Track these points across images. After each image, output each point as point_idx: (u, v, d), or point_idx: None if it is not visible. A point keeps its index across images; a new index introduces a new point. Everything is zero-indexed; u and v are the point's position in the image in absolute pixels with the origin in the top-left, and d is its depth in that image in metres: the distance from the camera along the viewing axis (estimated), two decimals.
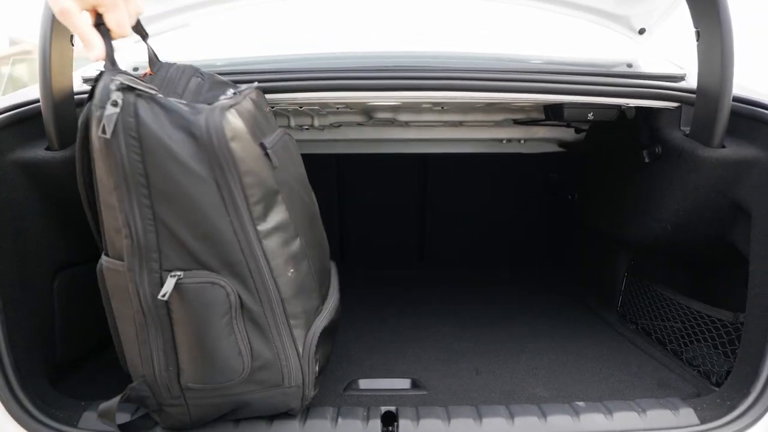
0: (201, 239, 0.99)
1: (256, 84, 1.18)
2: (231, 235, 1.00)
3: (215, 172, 0.97)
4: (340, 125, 2.09)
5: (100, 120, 0.91)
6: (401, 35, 1.82)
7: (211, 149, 0.95)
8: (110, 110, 0.91)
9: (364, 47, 1.66)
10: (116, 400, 1.03)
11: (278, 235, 1.07)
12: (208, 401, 1.07)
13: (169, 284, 0.97)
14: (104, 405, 1.03)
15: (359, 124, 2.09)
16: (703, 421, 1.06)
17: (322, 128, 2.06)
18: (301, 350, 1.10)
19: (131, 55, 1.80)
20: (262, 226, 1.03)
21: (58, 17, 0.92)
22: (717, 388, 1.22)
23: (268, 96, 1.30)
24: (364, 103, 1.71)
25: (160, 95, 0.96)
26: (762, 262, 1.18)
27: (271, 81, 1.28)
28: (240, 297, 1.03)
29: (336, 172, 2.36)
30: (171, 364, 1.03)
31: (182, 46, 1.93)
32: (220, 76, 1.18)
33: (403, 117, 1.96)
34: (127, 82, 0.92)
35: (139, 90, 0.93)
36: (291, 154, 1.22)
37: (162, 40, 1.88)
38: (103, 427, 1.08)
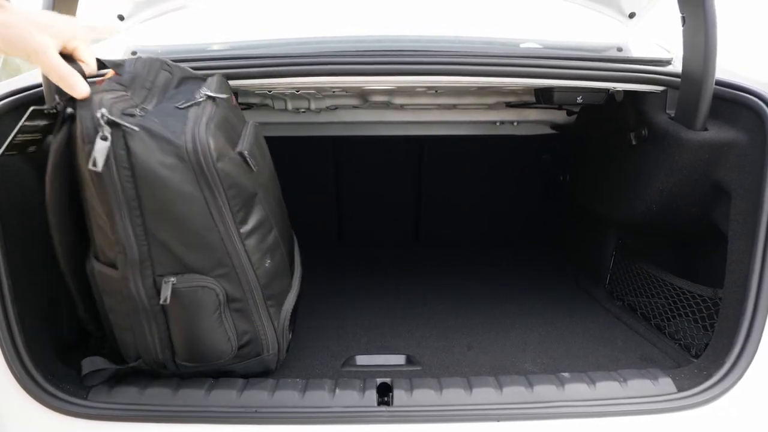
0: (192, 249, 1.08)
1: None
2: (219, 242, 1.10)
3: (204, 191, 1.04)
4: (337, 108, 2.12)
5: (89, 154, 0.94)
6: (395, 18, 1.84)
7: (200, 171, 1.02)
8: (101, 144, 0.94)
9: (358, 31, 1.68)
10: (113, 368, 1.17)
11: (258, 233, 1.17)
12: (200, 371, 1.20)
13: (166, 290, 1.07)
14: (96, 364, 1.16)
15: (355, 107, 2.11)
16: (680, 389, 1.12)
17: (318, 111, 2.09)
18: (277, 325, 1.24)
19: (127, 39, 1.81)
20: (244, 228, 1.13)
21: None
22: (696, 360, 1.27)
23: (264, 81, 1.33)
24: (360, 87, 1.74)
25: (147, 123, 0.99)
26: (739, 241, 1.24)
27: (267, 66, 1.31)
28: (226, 292, 1.14)
29: (333, 155, 2.39)
30: (166, 348, 1.15)
31: (180, 28, 1.95)
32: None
33: (398, 100, 1.99)
34: (114, 118, 0.95)
35: (125, 126, 0.96)
36: (260, 144, 1.28)
37: (160, 22, 1.90)
38: (109, 400, 1.12)
